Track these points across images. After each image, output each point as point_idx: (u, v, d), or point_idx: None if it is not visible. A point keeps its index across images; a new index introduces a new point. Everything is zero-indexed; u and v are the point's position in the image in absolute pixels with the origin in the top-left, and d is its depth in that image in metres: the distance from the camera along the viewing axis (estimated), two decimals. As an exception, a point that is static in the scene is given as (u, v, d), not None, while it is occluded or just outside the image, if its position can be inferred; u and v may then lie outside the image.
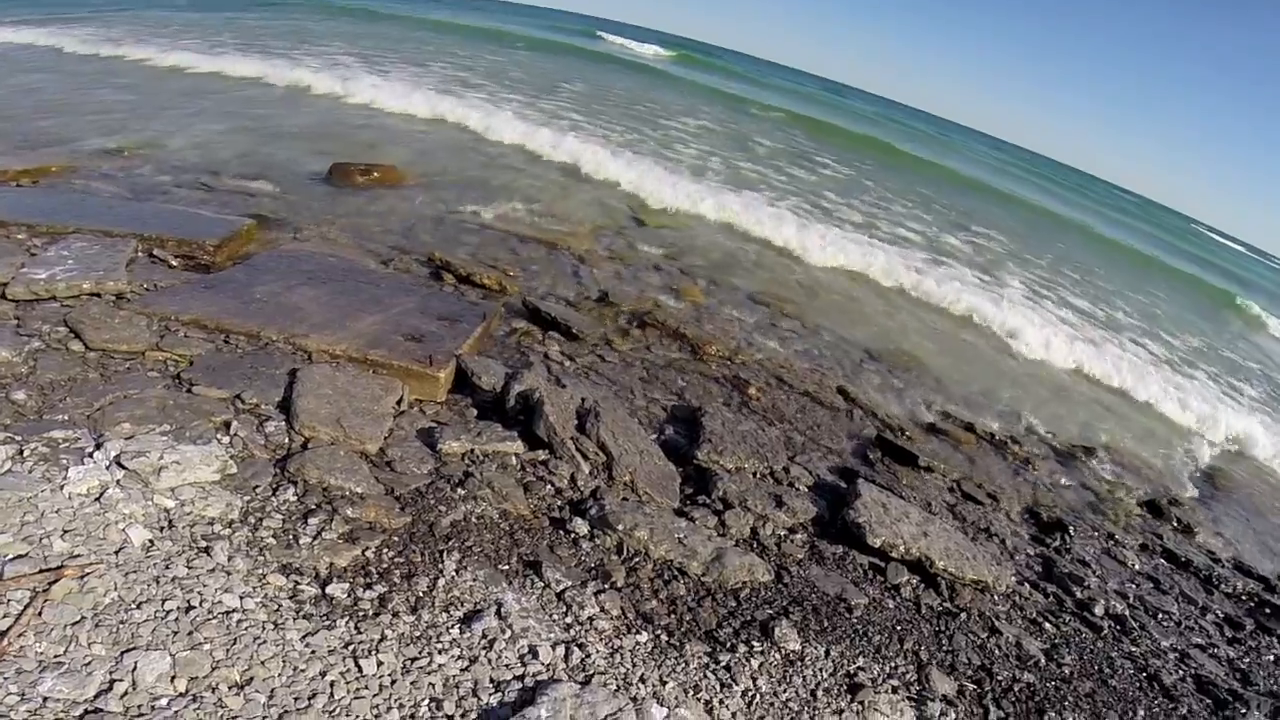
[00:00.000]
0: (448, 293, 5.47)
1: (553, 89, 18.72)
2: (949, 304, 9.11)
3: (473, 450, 3.72)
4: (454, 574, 2.78)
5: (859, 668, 2.95)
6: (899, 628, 3.30)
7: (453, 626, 2.48)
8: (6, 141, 7.54)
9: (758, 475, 4.34)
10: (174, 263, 4.99)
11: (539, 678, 2.31)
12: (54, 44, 14.78)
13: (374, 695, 2.10)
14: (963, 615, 3.54)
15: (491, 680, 2.27)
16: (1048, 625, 3.73)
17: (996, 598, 3.80)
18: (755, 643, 2.88)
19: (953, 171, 25.76)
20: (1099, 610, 4.02)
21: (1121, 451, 6.66)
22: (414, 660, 2.28)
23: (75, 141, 7.96)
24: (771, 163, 15.91)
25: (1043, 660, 3.39)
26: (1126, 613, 4.11)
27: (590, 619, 2.73)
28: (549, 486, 3.62)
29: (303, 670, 2.10)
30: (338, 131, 10.34)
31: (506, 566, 2.94)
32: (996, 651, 3.35)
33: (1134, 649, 3.76)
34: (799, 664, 2.85)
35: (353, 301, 4.74)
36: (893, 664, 3.05)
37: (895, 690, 2.88)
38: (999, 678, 3.17)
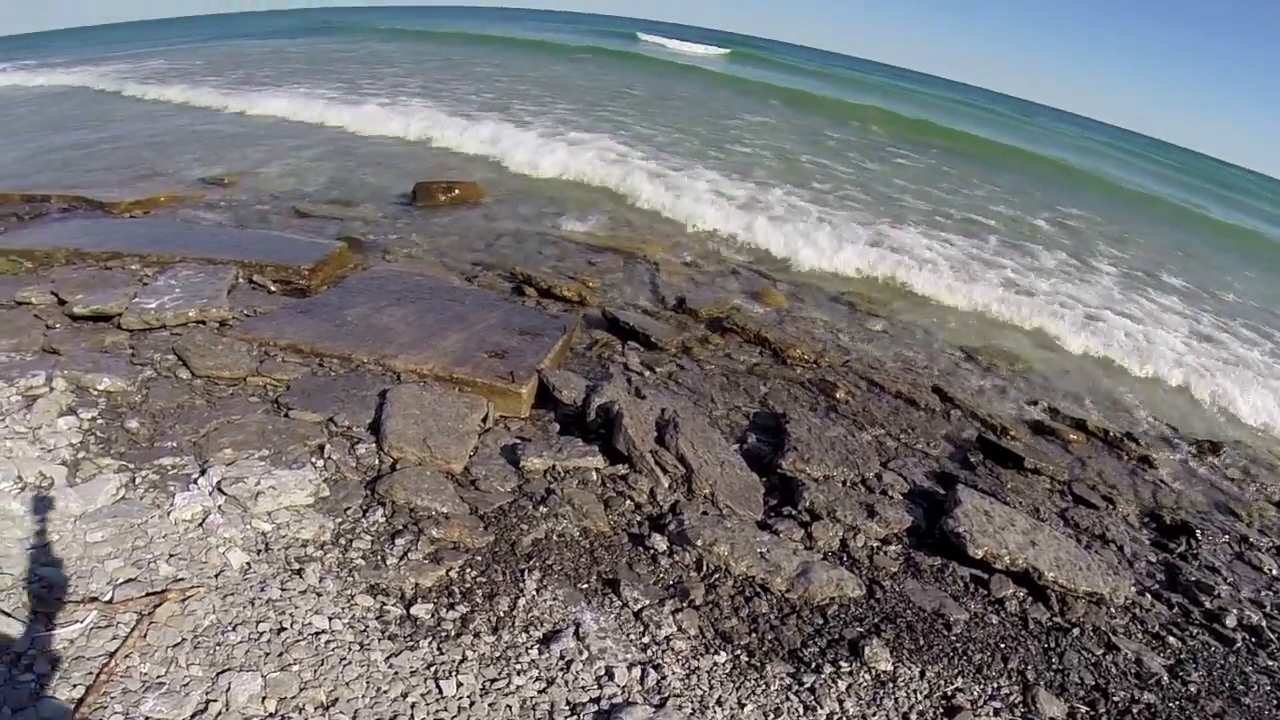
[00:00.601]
0: (529, 307, 5.54)
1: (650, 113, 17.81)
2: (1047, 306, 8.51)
3: (554, 466, 3.74)
4: (534, 593, 2.80)
5: (957, 689, 2.78)
6: (1003, 645, 3.10)
7: (532, 647, 2.49)
8: (116, 174, 8.17)
9: (847, 483, 4.17)
10: (272, 288, 5.26)
11: (614, 701, 2.28)
12: (117, 88, 15.97)
13: (452, 717, 2.12)
14: (1075, 631, 3.29)
15: (568, 703, 2.26)
16: (1172, 639, 3.42)
17: (1113, 610, 3.52)
18: (843, 663, 2.76)
19: (1034, 155, 23.89)
20: (1231, 621, 3.66)
21: (1253, 447, 6.06)
22: (493, 682, 2.29)
23: (178, 173, 8.57)
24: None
25: (1166, 678, 3.11)
26: (1263, 623, 3.72)
27: (667, 639, 2.68)
28: (628, 501, 3.60)
29: (385, 691, 2.15)
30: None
31: (585, 585, 2.93)
32: (1113, 670, 3.10)
33: (1271, 663, 3.40)
34: (891, 685, 2.71)
35: (439, 319, 4.86)
36: (995, 684, 2.86)
37: (997, 713, 2.70)
38: (1115, 698, 2.92)
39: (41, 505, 2.81)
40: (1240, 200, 28.80)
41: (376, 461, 3.47)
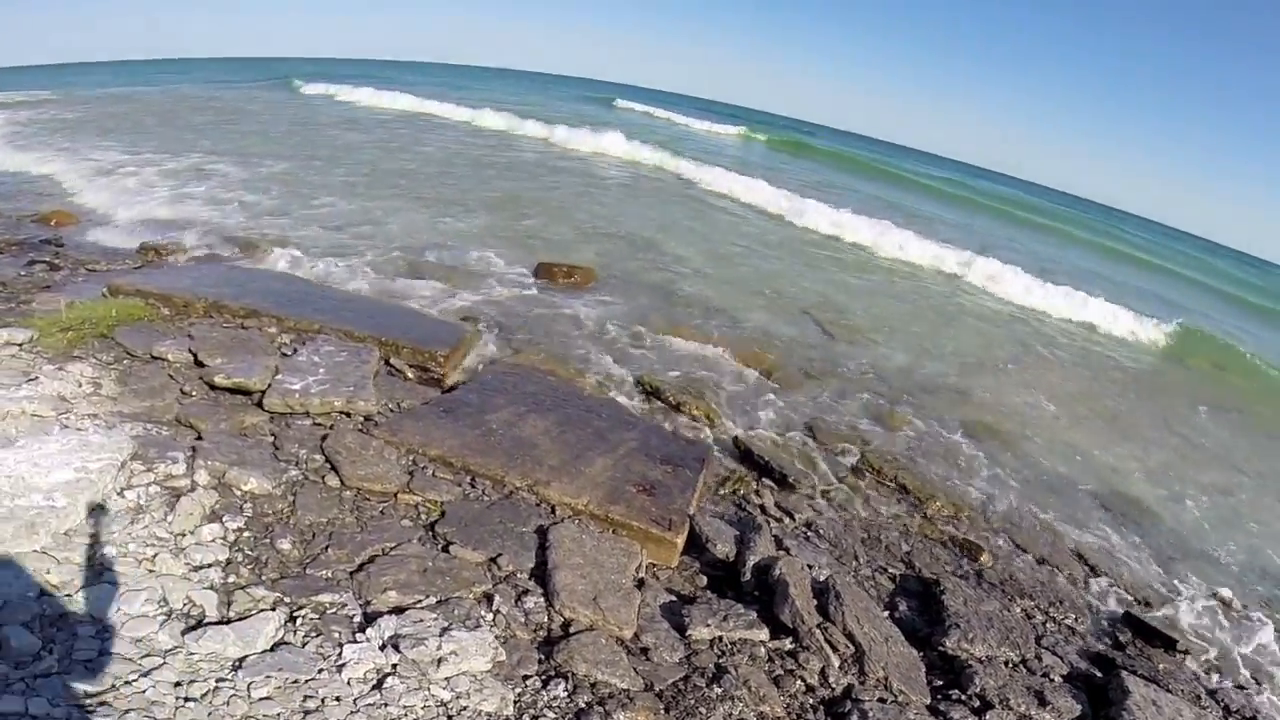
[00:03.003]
0: (664, 429, 5.26)
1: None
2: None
3: (721, 637, 3.41)
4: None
5: None
6: None
7: None
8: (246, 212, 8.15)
9: (1010, 665, 3.80)
10: (410, 374, 5.04)
11: None
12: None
13: None
14: None
15: None
16: None
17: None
18: None
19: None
20: None
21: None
22: None
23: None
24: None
25: None
26: None
27: None
28: (799, 682, 3.26)
29: None
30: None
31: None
32: None
33: None
34: None
35: (580, 437, 4.58)
36: None
37: None
38: None
39: (195, 641, 2.50)
40: None
41: (546, 619, 3.15)
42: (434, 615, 2.90)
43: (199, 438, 3.84)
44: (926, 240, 14.75)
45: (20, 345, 4.69)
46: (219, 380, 4.25)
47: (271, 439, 3.90)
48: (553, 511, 3.85)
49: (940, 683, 3.56)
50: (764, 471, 5.11)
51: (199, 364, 4.67)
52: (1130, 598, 4.91)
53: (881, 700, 3.22)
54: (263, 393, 4.25)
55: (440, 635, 2.75)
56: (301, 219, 9.45)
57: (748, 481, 4.99)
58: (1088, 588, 4.90)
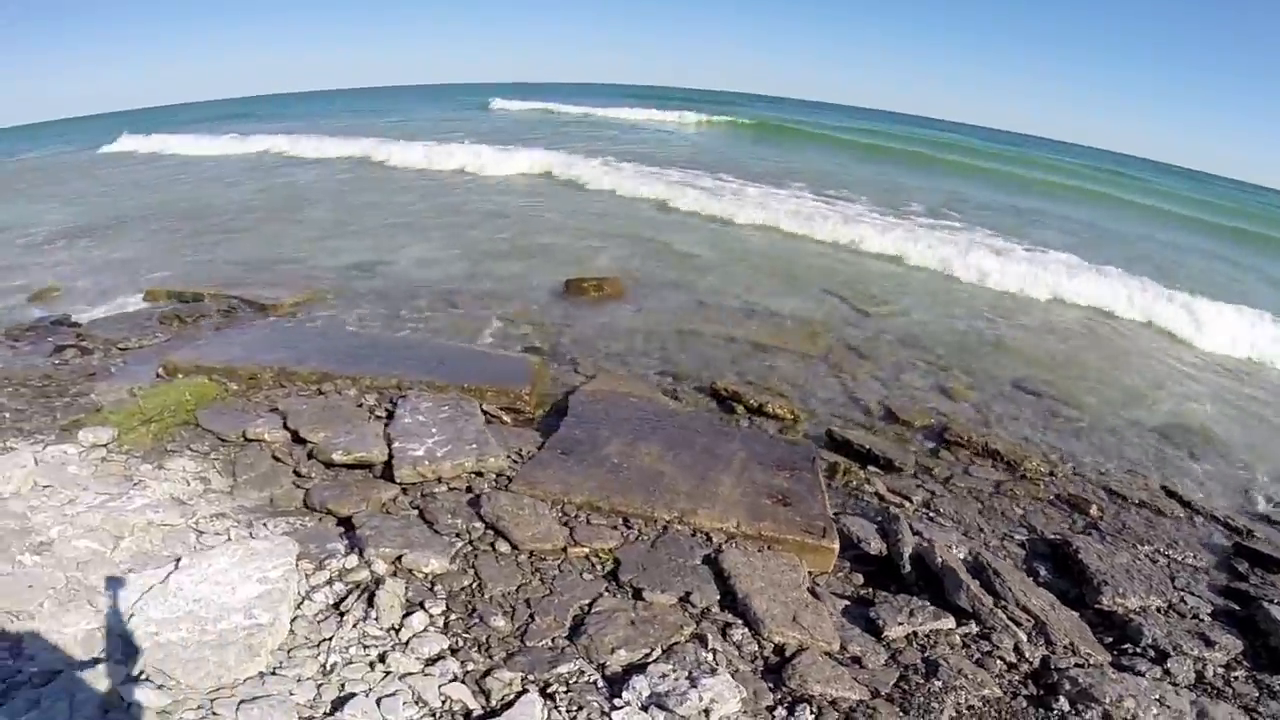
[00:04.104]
0: (759, 433, 5.31)
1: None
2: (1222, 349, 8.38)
3: (915, 633, 3.51)
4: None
5: None
6: None
7: None
8: (261, 266, 7.89)
9: (1162, 611, 4.01)
10: (506, 418, 4.99)
11: None
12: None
13: None
14: None
15: None
16: None
17: None
18: None
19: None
20: None
21: None
22: None
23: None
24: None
25: None
26: None
27: None
28: (999, 661, 3.38)
29: None
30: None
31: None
32: None
33: None
34: None
35: (693, 457, 4.60)
36: None
37: None
38: None
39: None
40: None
41: (756, 648, 3.20)
42: (670, 666, 2.91)
43: (347, 524, 3.75)
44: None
45: (106, 446, 4.51)
46: (338, 457, 4.14)
47: (417, 512, 3.83)
48: (709, 539, 3.86)
49: (1110, 639, 3.72)
50: (867, 459, 5.19)
51: (299, 440, 4.54)
52: (1232, 525, 5.15)
53: (1079, 665, 3.37)
54: (385, 464, 4.15)
55: (693, 686, 2.76)
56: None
57: (855, 471, 5.07)
58: (1193, 525, 5.12)
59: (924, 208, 16.50)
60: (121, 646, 2.81)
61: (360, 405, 4.93)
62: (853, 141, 30.89)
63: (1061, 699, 3.12)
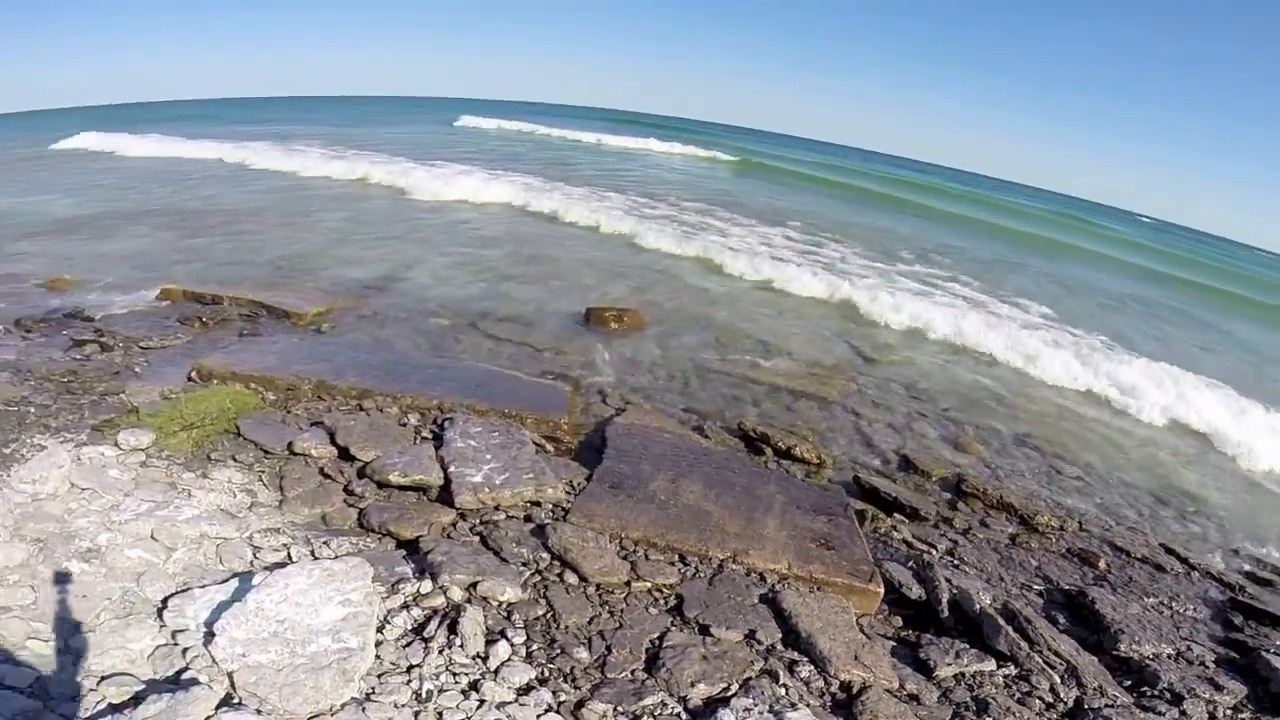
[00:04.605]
0: (792, 477, 5.45)
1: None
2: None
3: (962, 674, 3.68)
4: None
5: None
6: None
7: None
8: (277, 273, 7.84)
9: (1173, 658, 4.26)
10: (549, 447, 5.02)
11: None
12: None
13: None
14: None
15: None
16: None
17: None
18: None
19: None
20: None
21: None
22: None
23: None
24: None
25: None
26: None
27: None
28: (1038, 701, 3.57)
29: None
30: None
31: None
32: None
33: None
34: None
35: (735, 498, 4.73)
36: None
37: None
38: None
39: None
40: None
41: (823, 684, 3.32)
42: (750, 700, 3.01)
43: (410, 547, 3.77)
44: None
45: (145, 450, 4.45)
46: (394, 479, 4.16)
47: (479, 539, 3.86)
48: (762, 579, 3.97)
49: (1129, 683, 3.97)
50: (893, 507, 5.36)
51: (347, 457, 4.54)
52: (1225, 581, 5.47)
53: (1109, 705, 3.60)
54: (441, 488, 4.18)
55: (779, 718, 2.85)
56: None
57: (882, 518, 5.23)
58: (1190, 580, 5.39)
59: (913, 255, 17.01)
60: (205, 666, 2.77)
61: (404, 424, 4.95)
62: (839, 183, 31.70)
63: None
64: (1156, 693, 3.87)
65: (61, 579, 3.19)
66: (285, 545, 3.72)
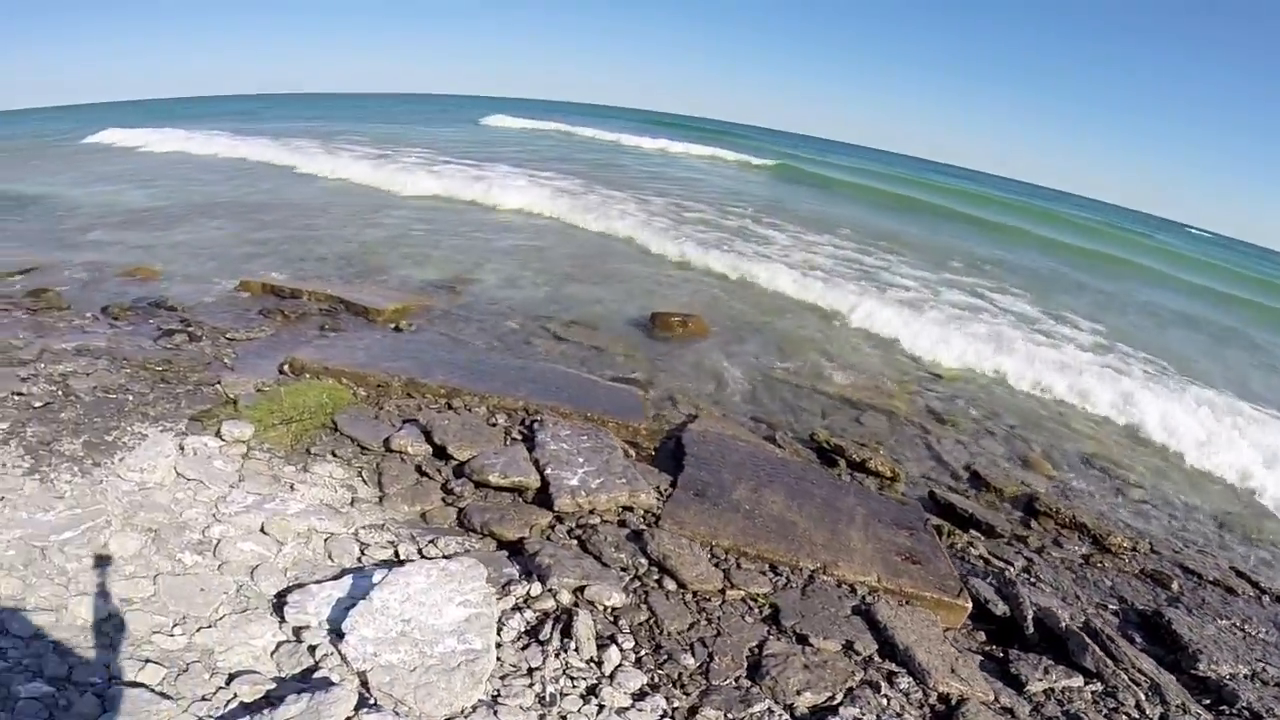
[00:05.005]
0: (870, 491, 5.48)
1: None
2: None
3: (1052, 689, 3.72)
4: None
5: None
6: None
7: None
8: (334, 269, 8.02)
9: (1248, 679, 4.29)
10: (630, 452, 5.10)
11: None
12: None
13: None
14: None
15: None
16: None
17: None
18: None
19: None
20: None
21: None
22: None
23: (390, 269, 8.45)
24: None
25: None
26: None
27: None
28: (1125, 717, 3.61)
29: None
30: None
31: None
32: None
33: None
34: None
35: (817, 509, 4.78)
36: None
37: None
38: None
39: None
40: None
41: (922, 696, 3.37)
42: (857, 710, 3.08)
43: (511, 548, 3.86)
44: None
45: (246, 442, 4.59)
46: (494, 479, 4.27)
47: (577, 543, 3.95)
48: (852, 590, 4.01)
49: (1208, 701, 4.01)
50: (968, 523, 5.36)
51: (442, 456, 4.66)
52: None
53: None
54: (538, 490, 4.27)
55: None
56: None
57: (958, 534, 5.24)
58: (1261, 604, 5.34)
59: (964, 265, 16.85)
60: (335, 665, 2.84)
61: (493, 424, 5.07)
62: (888, 191, 31.34)
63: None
64: (1235, 711, 3.92)
65: (178, 571, 3.30)
66: (392, 542, 3.83)
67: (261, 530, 3.73)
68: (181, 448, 4.39)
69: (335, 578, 3.42)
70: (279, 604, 3.21)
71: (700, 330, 8.33)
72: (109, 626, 2.88)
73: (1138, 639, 4.53)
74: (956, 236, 22.74)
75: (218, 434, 4.58)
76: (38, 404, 4.69)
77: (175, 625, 2.95)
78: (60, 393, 4.91)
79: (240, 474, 4.27)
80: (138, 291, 7.98)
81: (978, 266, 17.33)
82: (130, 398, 5.04)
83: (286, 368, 5.62)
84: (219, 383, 5.42)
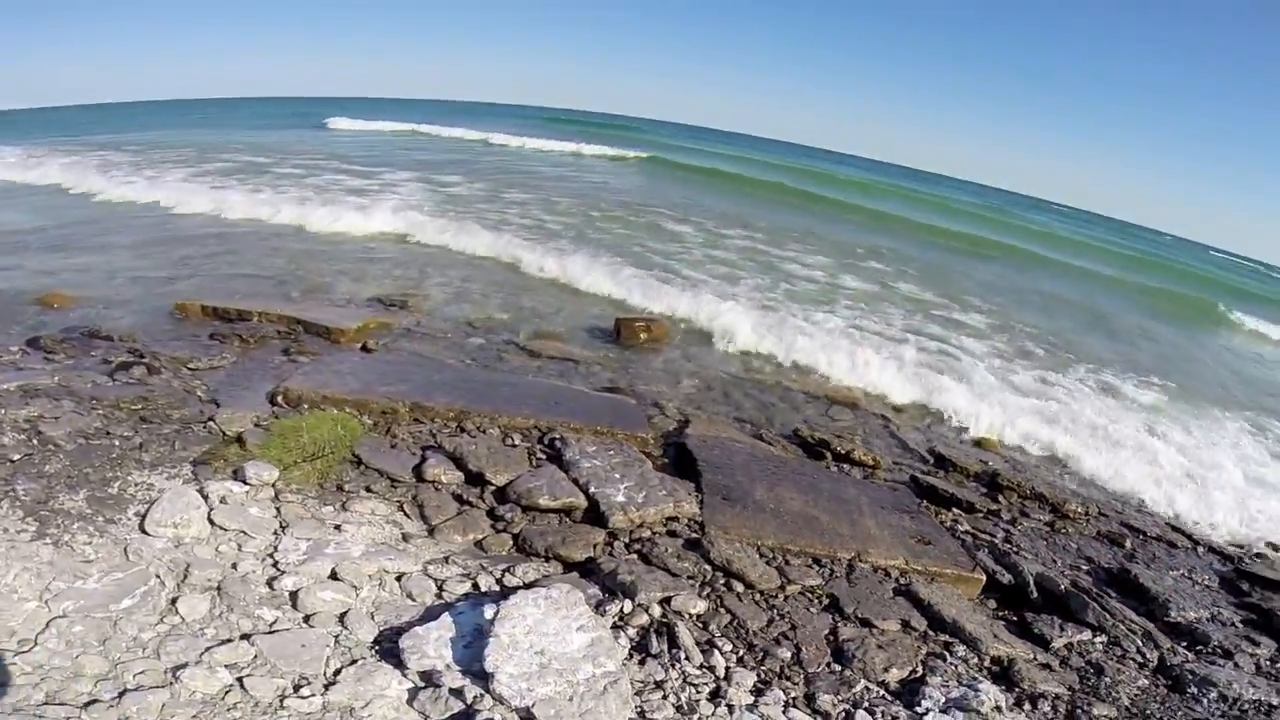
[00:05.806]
0: (862, 480, 5.92)
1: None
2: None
3: (1071, 644, 4.27)
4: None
5: None
6: None
7: None
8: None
9: (1210, 621, 4.96)
10: (647, 462, 5.30)
11: None
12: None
13: None
14: None
15: None
16: None
17: None
18: None
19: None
20: None
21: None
22: None
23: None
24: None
25: None
26: None
27: None
28: (1133, 662, 4.18)
29: None
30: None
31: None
32: None
33: None
34: None
35: (830, 502, 5.17)
36: None
37: None
38: None
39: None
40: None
41: (978, 660, 3.81)
42: (940, 679, 3.46)
43: (580, 569, 4.00)
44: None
45: (273, 486, 4.46)
46: (544, 502, 4.37)
47: (637, 557, 4.13)
48: (887, 574, 4.43)
49: (1184, 643, 4.63)
50: (950, 502, 5.94)
51: (474, 482, 4.68)
52: (1225, 554, 6.34)
53: (1186, 661, 4.31)
54: (586, 509, 4.41)
55: (974, 691, 3.31)
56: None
57: (943, 513, 5.81)
58: (1197, 554, 6.22)
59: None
60: (490, 706, 2.86)
61: (512, 445, 5.12)
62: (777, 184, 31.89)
63: (1191, 685, 4.00)
64: (1210, 649, 4.57)
65: (266, 630, 3.18)
66: (466, 575, 3.84)
67: (333, 576, 3.65)
68: (206, 496, 4.19)
69: (433, 618, 3.39)
70: (386, 650, 3.18)
71: (661, 334, 8.59)
72: (234, 698, 2.78)
73: (1113, 594, 5.14)
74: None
75: (237, 478, 4.39)
76: (15, 456, 4.32)
77: (300, 687, 2.86)
78: (35, 441, 4.52)
79: (280, 520, 4.13)
80: (58, 320, 7.33)
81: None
82: (116, 443, 4.70)
83: (280, 399, 5.40)
84: (211, 420, 5.15)
